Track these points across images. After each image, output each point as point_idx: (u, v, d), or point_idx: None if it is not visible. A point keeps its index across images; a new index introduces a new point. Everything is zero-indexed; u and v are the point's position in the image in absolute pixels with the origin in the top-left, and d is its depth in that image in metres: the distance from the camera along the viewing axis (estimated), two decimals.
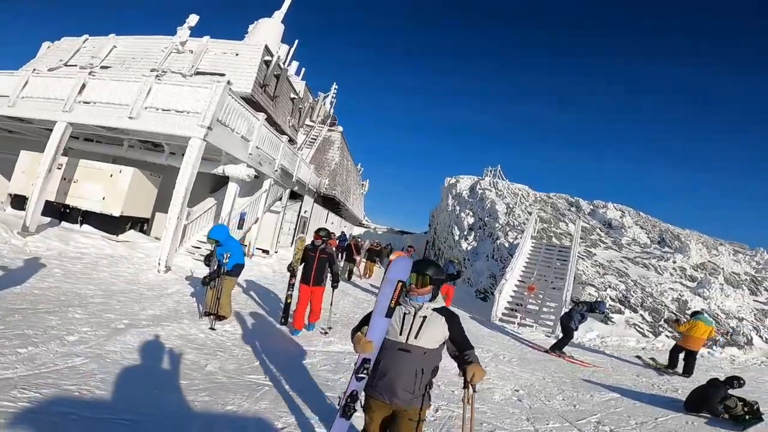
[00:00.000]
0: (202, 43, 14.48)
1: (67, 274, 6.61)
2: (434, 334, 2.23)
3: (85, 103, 9.07)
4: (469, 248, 18.63)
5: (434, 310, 2.27)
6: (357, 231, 30.65)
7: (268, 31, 17.83)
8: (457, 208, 21.88)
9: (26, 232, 8.11)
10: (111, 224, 9.91)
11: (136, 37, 15.38)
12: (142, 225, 10.84)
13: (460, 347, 2.26)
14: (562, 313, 9.19)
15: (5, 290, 5.09)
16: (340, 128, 22.89)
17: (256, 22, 18.36)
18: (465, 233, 19.80)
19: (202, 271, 7.29)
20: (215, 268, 5.83)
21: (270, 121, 13.34)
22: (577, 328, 8.39)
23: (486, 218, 19.13)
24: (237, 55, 14.47)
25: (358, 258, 14.60)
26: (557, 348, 8.16)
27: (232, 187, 10.60)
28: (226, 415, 3.02)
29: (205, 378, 3.72)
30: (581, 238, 16.18)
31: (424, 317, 2.23)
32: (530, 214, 17.71)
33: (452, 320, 2.28)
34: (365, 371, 2.25)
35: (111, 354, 3.72)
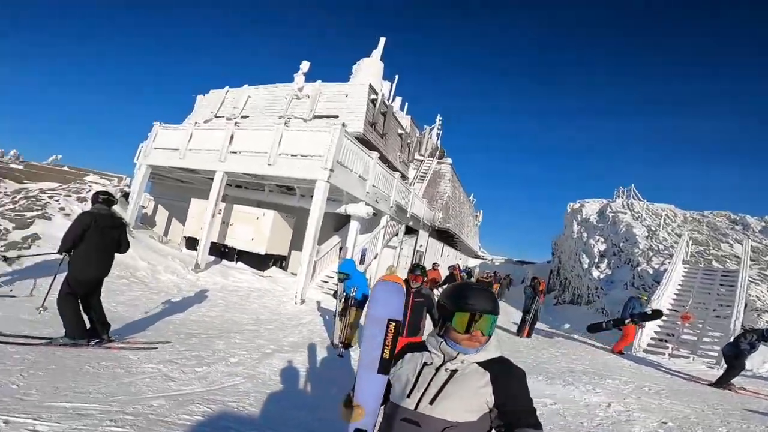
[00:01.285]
0: (316, 87, 15.79)
1: (228, 305, 7.91)
2: (465, 398, 1.33)
3: (234, 152, 10.72)
4: (601, 276, 16.72)
5: (478, 363, 1.39)
6: (473, 263, 29.94)
7: (370, 70, 18.28)
8: (585, 234, 19.98)
9: (198, 269, 9.95)
10: (258, 261, 11.54)
11: (264, 87, 17.45)
12: (281, 261, 12.36)
13: (511, 421, 1.30)
14: (726, 344, 7.86)
15: (186, 317, 6.34)
16: (449, 160, 23.00)
17: (358, 62, 19.25)
18: (596, 261, 17.87)
19: (328, 302, 7.99)
20: (343, 300, 6.37)
21: (382, 158, 13.89)
22: (746, 359, 7.11)
23: (621, 243, 17.06)
24: (346, 96, 15.43)
25: None
26: (723, 381, 6.90)
27: (353, 225, 11.41)
28: None
29: (330, 398, 4.05)
30: (752, 259, 13.33)
31: (454, 371, 1.37)
32: (679, 236, 15.28)
33: (505, 377, 1.37)
34: None
35: (261, 375, 4.33)
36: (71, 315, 4.11)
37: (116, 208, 11.62)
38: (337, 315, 6.42)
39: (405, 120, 20.54)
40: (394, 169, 15.84)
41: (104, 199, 4.55)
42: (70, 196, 11.47)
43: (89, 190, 12.18)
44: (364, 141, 13.94)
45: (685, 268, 13.29)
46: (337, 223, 13.32)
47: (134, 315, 5.98)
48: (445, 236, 21.76)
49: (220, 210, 11.57)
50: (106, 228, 4.43)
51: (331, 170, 9.53)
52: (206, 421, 2.89)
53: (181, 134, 11.93)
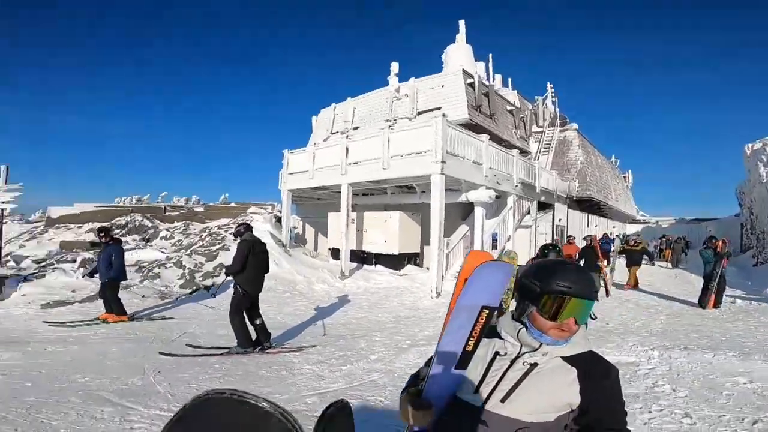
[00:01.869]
0: (411, 85, 15.95)
1: (371, 306, 8.71)
2: (545, 397, 1.14)
3: (352, 164, 11.58)
4: None
5: (564, 357, 1.19)
6: (632, 229, 26.27)
7: (458, 55, 18.04)
8: None
9: (344, 276, 11.13)
10: (394, 262, 12.31)
11: (365, 96, 18.19)
12: (415, 259, 12.94)
13: (594, 426, 1.12)
14: None
15: (336, 321, 7.24)
16: (574, 125, 20.97)
17: (445, 50, 18.90)
18: None
19: None
20: None
21: (495, 139, 13.44)
22: None
23: None
24: (443, 86, 15.27)
25: (602, 265, 10.43)
26: None
27: (478, 212, 11.26)
28: None
29: None
30: None
31: (533, 365, 1.18)
32: None
33: (597, 376, 1.17)
34: None
35: (397, 369, 4.72)
36: (241, 328, 5.17)
37: (273, 231, 13.69)
38: None
39: (512, 95, 19.49)
40: (511, 146, 15.17)
41: (247, 227, 5.60)
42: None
43: (252, 220, 14.68)
44: (471, 126, 13.63)
45: None
46: (464, 212, 13.29)
47: (296, 322, 7.10)
48: (588, 205, 19.71)
49: (353, 219, 12.65)
50: (259, 252, 5.44)
51: (443, 162, 9.62)
52: None
53: (306, 156, 13.38)
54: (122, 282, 7.19)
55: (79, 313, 7.32)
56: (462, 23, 18.64)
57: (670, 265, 16.79)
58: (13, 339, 5.71)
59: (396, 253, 12.25)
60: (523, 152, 16.93)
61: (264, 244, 5.73)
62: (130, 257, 11.55)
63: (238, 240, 5.54)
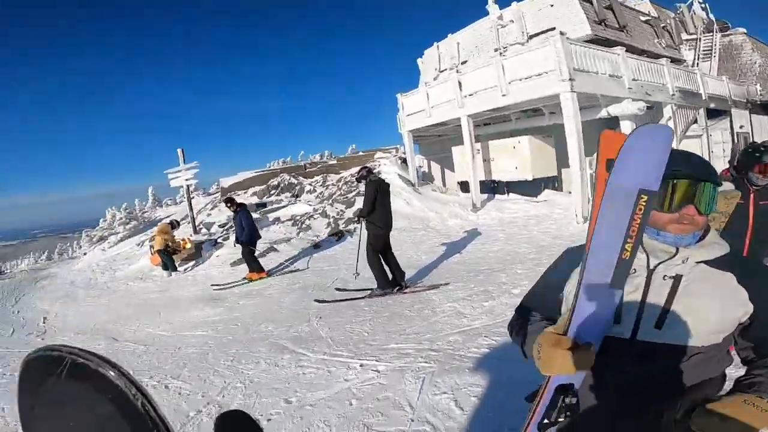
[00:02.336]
0: (515, 11, 14.39)
1: (507, 237, 8.39)
2: (709, 312, 0.92)
3: (467, 96, 11.12)
4: None
5: (707, 262, 0.96)
6: None
7: None
8: None
9: (475, 209, 10.89)
10: (529, 188, 11.50)
11: (468, 29, 16.82)
12: (553, 183, 11.87)
13: (762, 343, 0.91)
14: None
15: (474, 255, 7.21)
16: (742, 29, 17.66)
17: None
18: None
19: None
20: None
21: (633, 51, 11.98)
22: None
23: None
24: (552, 6, 13.53)
25: None
26: None
27: (625, 125, 9.88)
28: None
29: None
30: None
31: (677, 278, 0.95)
32: None
33: (759, 277, 0.95)
34: (565, 413, 0.95)
35: None
36: (379, 270, 5.47)
37: (400, 172, 14.05)
38: None
39: (644, 5, 16.76)
40: (656, 57, 13.08)
41: (369, 171, 5.80)
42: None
43: (380, 165, 15.24)
44: (598, 41, 12.11)
45: None
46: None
47: (432, 259, 7.31)
48: None
49: (478, 150, 12.12)
50: (385, 192, 5.62)
51: (571, 79, 8.82)
52: (491, 352, 3.34)
53: (419, 97, 13.20)
54: (267, 241, 8.06)
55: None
56: None
57: None
58: (214, 296, 7.21)
59: (530, 178, 11.40)
60: (676, 61, 14.82)
61: (388, 183, 5.90)
62: (286, 212, 13.26)
63: (363, 183, 5.75)
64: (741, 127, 14.10)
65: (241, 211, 7.95)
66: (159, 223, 13.19)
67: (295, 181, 16.60)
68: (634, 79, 10.17)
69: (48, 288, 9.94)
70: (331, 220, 11.47)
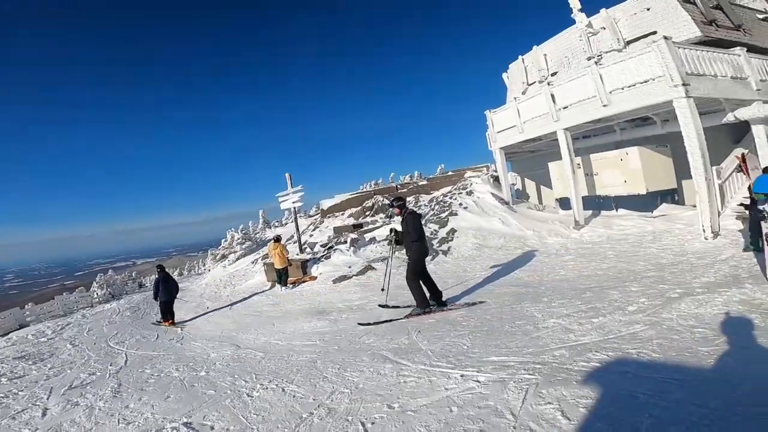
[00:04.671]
0: (605, 17, 13.26)
1: (618, 255, 7.69)
2: None
3: (563, 108, 10.62)
4: None
5: None
6: None
7: None
8: None
9: (579, 226, 10.17)
10: (642, 202, 10.43)
11: (554, 39, 15.87)
12: (672, 196, 10.63)
13: None
14: None
15: (579, 273, 6.74)
16: None
17: None
18: None
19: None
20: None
21: (756, 50, 10.54)
22: None
23: None
24: (648, 9, 12.32)
25: None
26: None
27: (756, 130, 8.65)
28: None
29: None
30: None
31: None
32: None
33: None
34: None
35: (667, 321, 4.02)
36: (419, 291, 5.70)
37: (493, 190, 13.75)
38: (765, 241, 4.94)
39: (759, 2, 14.31)
40: None
41: (403, 201, 6.10)
42: (461, 193, 14.62)
43: (471, 184, 15.10)
44: (711, 43, 10.83)
45: None
46: (736, 134, 10.43)
47: (533, 277, 6.99)
48: None
49: (579, 164, 11.41)
50: (421, 223, 5.99)
51: (685, 84, 8.04)
52: (603, 367, 3.09)
53: (509, 113, 12.89)
54: (365, 259, 8.53)
55: (356, 284, 9.28)
56: None
57: None
58: (321, 309, 7.76)
59: (643, 192, 10.35)
60: None
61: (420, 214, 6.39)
62: (381, 232, 13.70)
63: (405, 213, 5.90)
64: None
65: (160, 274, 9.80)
66: (269, 243, 14.60)
67: (389, 203, 17.21)
68: (762, 80, 9.01)
69: (182, 299, 11.54)
70: (426, 240, 11.62)
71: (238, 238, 21.25)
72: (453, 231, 11.61)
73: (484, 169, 18.53)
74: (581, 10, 14.61)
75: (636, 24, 13.08)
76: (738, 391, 2.56)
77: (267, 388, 4.10)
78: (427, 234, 11.94)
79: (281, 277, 10.94)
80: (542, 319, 4.61)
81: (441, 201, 14.68)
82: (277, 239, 11.77)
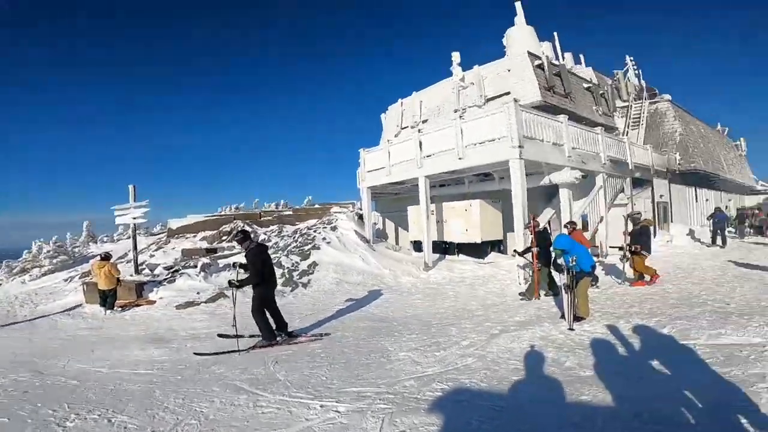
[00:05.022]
0: (476, 73, 15.55)
1: (457, 295, 8.86)
2: None
3: (427, 156, 11.72)
4: None
5: None
6: (751, 201, 23.40)
7: (520, 38, 17.63)
8: None
9: (427, 268, 11.38)
10: (477, 250, 12.28)
11: (431, 88, 18.08)
12: (499, 246, 12.74)
13: None
14: None
15: (425, 311, 7.53)
16: (667, 96, 19.55)
17: (505, 34, 18.48)
18: None
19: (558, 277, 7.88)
20: (565, 273, 6.29)
21: (575, 118, 13.00)
22: None
23: None
24: (509, 71, 14.75)
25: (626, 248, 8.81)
26: None
27: (563, 193, 10.88)
28: (579, 404, 3.37)
29: (563, 372, 4.15)
30: None
31: None
32: None
33: None
34: None
35: (490, 354, 4.83)
36: (264, 323, 5.70)
37: (357, 228, 14.38)
38: (563, 288, 6.36)
39: (586, 72, 18.56)
40: (593, 124, 14.39)
41: (246, 234, 5.97)
42: (326, 227, 14.92)
43: (337, 220, 15.57)
44: (546, 108, 13.19)
45: None
46: (548, 195, 12.82)
47: (386, 312, 7.53)
48: (695, 179, 17.88)
49: (432, 211, 12.84)
50: (266, 254, 5.94)
51: (520, 146, 9.50)
52: (445, 396, 3.60)
53: (381, 154, 13.81)
54: (218, 287, 7.99)
55: (204, 312, 8.54)
56: (518, 5, 18.09)
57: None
58: (159, 337, 6.90)
59: (479, 241, 12.20)
60: (609, 129, 16.10)
61: (266, 245, 6.33)
62: (238, 259, 12.96)
63: (249, 248, 5.76)
64: (661, 196, 15.55)
65: None
66: (93, 260, 12.39)
67: (250, 229, 16.44)
68: (573, 148, 11.02)
69: None
70: (286, 270, 11.44)
71: (49, 251, 17.40)
72: (315, 264, 11.73)
73: (351, 206, 19.34)
74: (459, 64, 16.37)
75: (497, 83, 15.17)
76: (533, 419, 3.24)
77: (86, 419, 3.49)
78: (288, 266, 11.80)
79: (106, 299, 9.35)
80: (395, 352, 5.04)
81: (305, 233, 14.71)
82: (105, 257, 10.11)
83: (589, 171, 11.67)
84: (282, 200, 29.80)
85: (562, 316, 6.20)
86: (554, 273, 7.73)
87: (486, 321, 6.54)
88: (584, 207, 11.83)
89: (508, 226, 12.08)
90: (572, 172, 10.66)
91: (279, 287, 10.41)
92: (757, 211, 18.58)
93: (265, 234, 16.50)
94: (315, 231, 14.71)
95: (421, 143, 11.93)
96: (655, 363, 4.22)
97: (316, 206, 24.00)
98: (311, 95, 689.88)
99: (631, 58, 21.57)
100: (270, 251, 14.33)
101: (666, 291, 7.72)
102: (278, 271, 11.48)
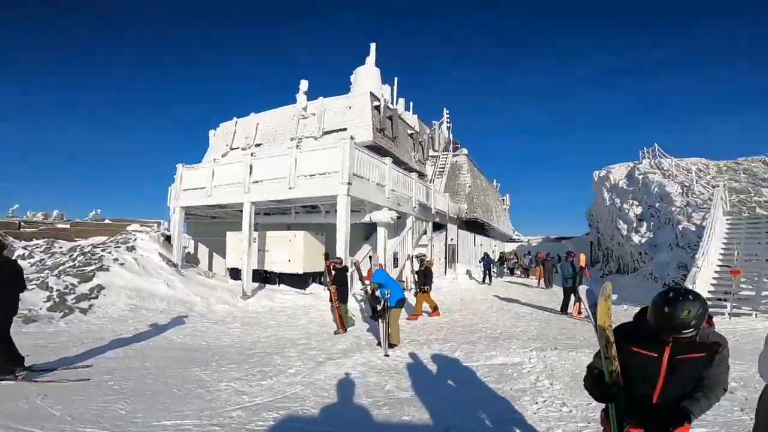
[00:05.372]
0: (319, 104, 15.98)
1: (279, 324, 8.50)
2: None
3: (256, 182, 11.16)
4: (643, 241, 16.37)
5: None
6: (509, 247, 29.88)
7: (367, 78, 18.39)
8: (617, 200, 19.62)
9: (246, 296, 10.63)
10: (299, 281, 12.15)
11: (271, 112, 17.73)
12: (319, 278, 12.91)
13: None
14: None
15: (244, 340, 6.93)
16: (465, 151, 23.05)
17: (354, 72, 19.16)
18: (634, 225, 17.52)
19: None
20: (381, 305, 6.80)
21: (396, 161, 14.07)
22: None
23: (657, 204, 16.64)
24: (350, 108, 15.59)
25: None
26: None
27: (380, 232, 11.79)
28: (402, 424, 3.63)
29: (386, 395, 4.42)
30: None
31: None
32: (714, 187, 14.76)
33: None
34: None
35: (318, 381, 4.78)
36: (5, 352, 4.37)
37: (161, 250, 12.47)
38: (378, 319, 6.83)
39: (412, 119, 20.57)
40: (410, 170, 16.01)
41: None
42: (119, 246, 12.45)
43: (135, 239, 13.18)
44: (375, 148, 14.13)
45: (728, 219, 12.77)
46: (366, 232, 13.73)
47: (198, 343, 6.62)
48: (474, 226, 21.86)
49: (255, 238, 12.20)
50: (17, 272, 4.61)
51: (349, 183, 9.91)
52: (277, 424, 3.37)
53: (203, 172, 12.54)
54: None
55: None
56: (373, 46, 19.10)
57: (543, 285, 16.87)
58: None
59: (301, 272, 12.12)
60: (421, 175, 18.14)
61: (14, 262, 4.84)
62: None
63: None
64: (452, 239, 18.12)
65: None
66: None
67: (5, 242, 12.36)
68: (392, 190, 11.99)
69: None
70: (55, 294, 8.95)
71: None
72: (100, 288, 9.55)
73: (156, 225, 16.71)
74: (306, 93, 16.21)
75: (337, 118, 15.44)
76: None
77: None
78: (60, 288, 9.29)
79: None
80: (213, 383, 4.46)
81: (89, 252, 11.91)
82: None
83: (402, 213, 12.97)
84: (55, 210, 23.71)
85: (379, 344, 6.64)
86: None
87: (310, 349, 6.46)
88: (396, 246, 13.19)
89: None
90: (390, 213, 11.69)
91: (45, 312, 8.09)
92: (512, 256, 24.10)
93: (25, 249, 12.65)
94: (103, 250, 12.07)
95: (252, 167, 11.35)
96: (451, 382, 4.93)
97: (107, 221, 19.95)
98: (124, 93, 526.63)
99: (447, 112, 24.93)
100: (32, 270, 11.09)
101: (455, 320, 9.14)
102: (43, 294, 8.95)
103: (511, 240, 34.36)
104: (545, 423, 3.57)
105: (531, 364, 5.45)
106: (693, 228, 13.78)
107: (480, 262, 17.95)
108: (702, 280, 10.04)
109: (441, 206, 16.91)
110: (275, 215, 13.67)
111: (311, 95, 16.63)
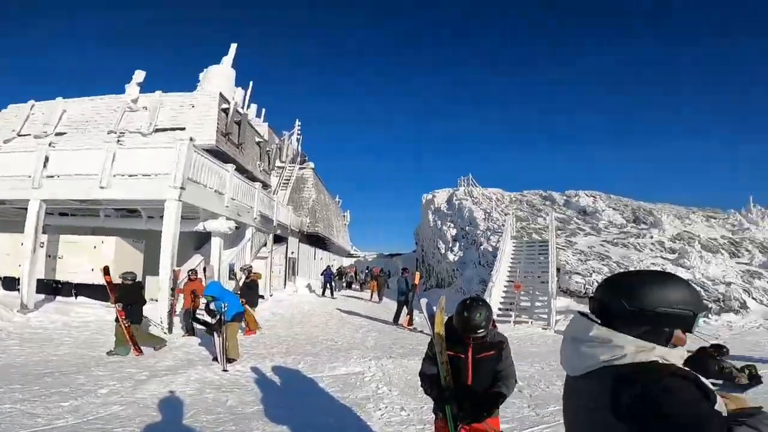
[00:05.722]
0: (155, 99, 14.16)
1: (77, 342, 6.94)
2: None
3: (52, 177, 9.08)
4: (455, 259, 19.11)
5: None
6: (347, 262, 31.06)
7: (220, 78, 17.23)
8: (438, 222, 22.52)
9: (26, 310, 8.27)
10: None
11: (85, 99, 15.02)
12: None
13: None
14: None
15: (27, 359, 5.39)
16: (311, 164, 23.27)
17: (206, 70, 17.81)
18: (450, 245, 20.34)
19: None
20: (217, 318, 6.21)
21: (240, 169, 13.35)
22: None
23: (467, 227, 19.70)
24: (193, 106, 14.22)
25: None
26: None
27: (215, 242, 10.75)
28: None
29: (228, 411, 4.06)
30: (560, 229, 16.76)
31: None
32: (506, 215, 18.36)
33: None
34: None
35: (142, 400, 4.05)
36: None
37: None
38: (214, 333, 6.22)
39: (262, 128, 19.96)
40: (254, 179, 15.28)
41: None
42: None
43: None
44: (217, 153, 13.03)
45: (513, 243, 15.79)
46: (198, 241, 12.43)
47: None
48: (315, 240, 22.05)
49: (43, 243, 9.61)
50: None
51: (182, 188, 8.76)
52: None
53: None
54: None
55: None
56: (233, 46, 17.93)
57: (377, 298, 17.37)
58: None
59: None
60: (265, 186, 17.36)
61: None
62: None
63: None
64: (292, 253, 17.75)
65: None
66: None
67: None
68: (232, 198, 11.09)
69: None
70: None
71: None
72: None
73: None
74: (139, 84, 14.08)
75: (176, 115, 13.67)
76: None
77: None
78: None
79: None
80: None
81: None
82: None
83: (241, 223, 12.15)
84: None
85: (215, 359, 6.05)
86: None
87: (126, 368, 5.43)
88: (232, 256, 12.25)
89: (151, 269, 10.65)
90: (227, 222, 10.77)
91: None
92: (349, 270, 24.98)
93: None
94: None
95: (47, 158, 9.09)
96: (298, 394, 4.85)
97: None
98: None
99: (299, 124, 24.47)
100: None
101: (296, 333, 8.93)
102: None
103: (350, 255, 35.77)
104: (390, 427, 3.77)
105: (371, 373, 5.66)
106: (491, 249, 16.70)
107: (321, 275, 18.10)
108: (496, 293, 12.14)
109: (283, 219, 16.58)
110: (77, 216, 11.13)
111: (146, 89, 14.47)
